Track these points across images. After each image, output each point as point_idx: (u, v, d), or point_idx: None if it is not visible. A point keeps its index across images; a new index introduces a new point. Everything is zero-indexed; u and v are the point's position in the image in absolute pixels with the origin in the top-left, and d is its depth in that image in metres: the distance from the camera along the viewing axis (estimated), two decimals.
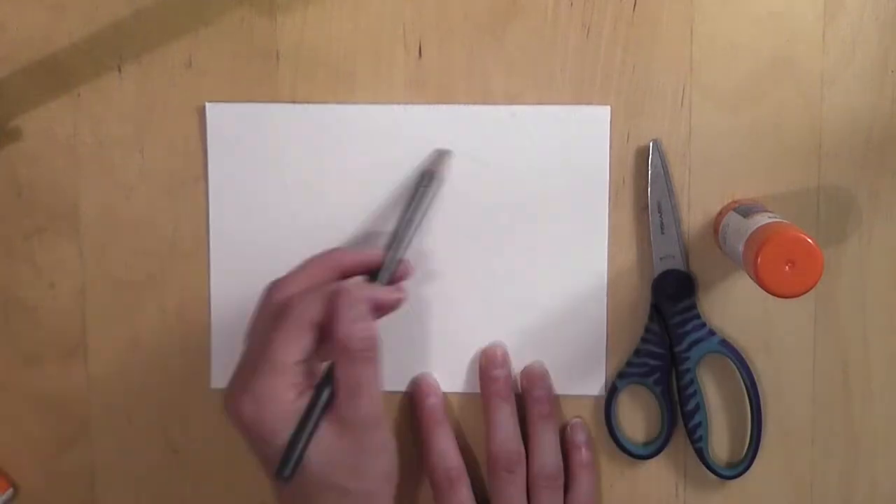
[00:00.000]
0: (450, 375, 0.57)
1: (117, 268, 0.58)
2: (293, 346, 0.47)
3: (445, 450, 0.55)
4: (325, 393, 0.48)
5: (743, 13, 0.55)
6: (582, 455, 0.56)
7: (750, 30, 0.55)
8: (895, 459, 0.57)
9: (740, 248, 0.49)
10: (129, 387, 0.58)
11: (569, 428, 0.57)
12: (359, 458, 0.48)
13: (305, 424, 0.47)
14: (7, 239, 0.58)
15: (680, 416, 0.56)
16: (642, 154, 0.55)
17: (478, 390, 0.57)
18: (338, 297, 0.48)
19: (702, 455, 0.56)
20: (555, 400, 0.57)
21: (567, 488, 0.56)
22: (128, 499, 0.59)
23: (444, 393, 0.57)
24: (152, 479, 0.59)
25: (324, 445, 0.47)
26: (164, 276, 0.58)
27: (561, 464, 0.55)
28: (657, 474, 0.58)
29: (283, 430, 0.47)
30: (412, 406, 0.57)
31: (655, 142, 0.55)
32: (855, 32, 0.55)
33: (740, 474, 0.56)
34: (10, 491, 0.59)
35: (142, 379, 0.58)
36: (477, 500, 0.55)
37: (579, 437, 0.56)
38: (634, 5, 0.55)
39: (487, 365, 0.56)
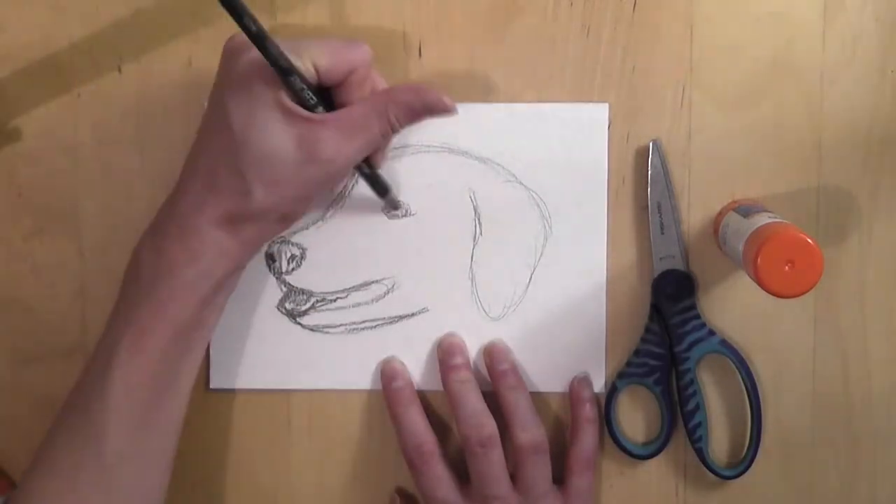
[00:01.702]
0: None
1: (117, 268, 0.58)
2: None
3: (414, 427, 0.55)
4: None
5: (743, 13, 0.55)
6: (587, 410, 0.56)
7: (750, 30, 0.55)
8: (895, 460, 0.57)
9: (740, 248, 0.49)
10: None
11: (575, 382, 0.56)
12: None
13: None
14: (7, 239, 0.58)
15: (680, 416, 0.56)
16: (642, 154, 0.55)
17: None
18: None
19: (702, 455, 0.56)
20: (520, 371, 0.56)
21: (571, 442, 0.56)
22: None
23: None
24: None
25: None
26: None
27: (542, 430, 0.54)
28: (657, 474, 0.58)
29: None
30: (383, 394, 0.57)
31: (655, 142, 0.55)
32: (855, 32, 0.55)
33: (740, 474, 0.56)
34: (10, 491, 0.59)
35: None
36: (463, 477, 0.55)
37: (585, 392, 0.56)
38: (634, 5, 0.55)
39: (445, 357, 0.56)
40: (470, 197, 0.56)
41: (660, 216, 0.55)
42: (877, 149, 0.55)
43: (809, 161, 0.55)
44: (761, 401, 0.56)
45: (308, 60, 0.48)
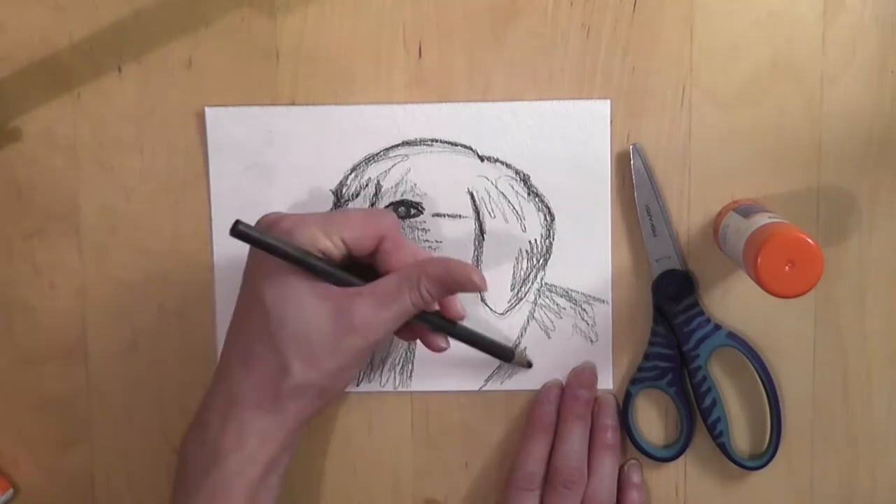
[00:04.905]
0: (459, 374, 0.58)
1: (117, 268, 0.58)
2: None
3: (538, 455, 0.55)
4: None
5: (743, 14, 0.55)
6: (634, 497, 0.56)
7: (750, 30, 0.55)
8: (895, 459, 0.57)
9: (740, 248, 0.49)
10: (129, 387, 0.58)
11: (626, 467, 0.57)
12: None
13: None
14: (7, 239, 0.58)
15: (698, 414, 0.56)
16: (636, 156, 0.55)
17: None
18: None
19: (725, 449, 0.56)
20: (620, 433, 0.57)
21: None
22: (128, 499, 0.59)
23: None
24: (152, 479, 0.59)
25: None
26: (164, 276, 0.58)
27: (615, 496, 0.55)
28: (657, 474, 0.57)
29: None
30: (534, 405, 0.57)
31: (635, 146, 0.55)
32: (855, 32, 0.55)
33: (766, 464, 0.56)
34: (10, 491, 0.59)
35: (142, 379, 0.58)
36: None
37: (635, 477, 0.57)
38: (634, 5, 0.55)
39: (574, 382, 0.56)
40: (472, 196, 0.56)
41: (650, 218, 0.55)
42: (877, 149, 0.55)
43: (809, 161, 0.55)
44: (776, 387, 0.56)
45: (336, 236, 0.49)
